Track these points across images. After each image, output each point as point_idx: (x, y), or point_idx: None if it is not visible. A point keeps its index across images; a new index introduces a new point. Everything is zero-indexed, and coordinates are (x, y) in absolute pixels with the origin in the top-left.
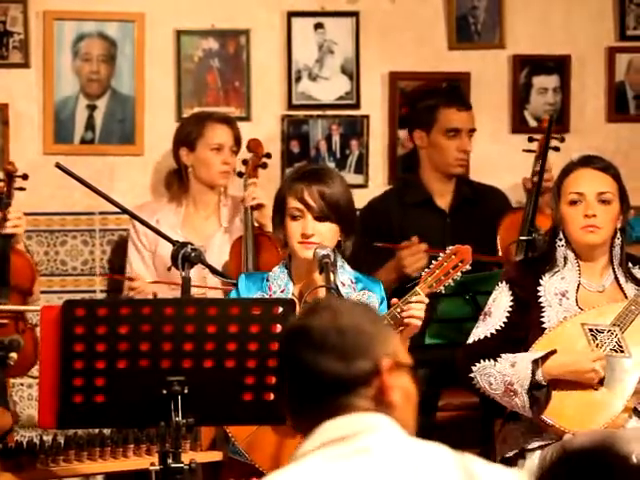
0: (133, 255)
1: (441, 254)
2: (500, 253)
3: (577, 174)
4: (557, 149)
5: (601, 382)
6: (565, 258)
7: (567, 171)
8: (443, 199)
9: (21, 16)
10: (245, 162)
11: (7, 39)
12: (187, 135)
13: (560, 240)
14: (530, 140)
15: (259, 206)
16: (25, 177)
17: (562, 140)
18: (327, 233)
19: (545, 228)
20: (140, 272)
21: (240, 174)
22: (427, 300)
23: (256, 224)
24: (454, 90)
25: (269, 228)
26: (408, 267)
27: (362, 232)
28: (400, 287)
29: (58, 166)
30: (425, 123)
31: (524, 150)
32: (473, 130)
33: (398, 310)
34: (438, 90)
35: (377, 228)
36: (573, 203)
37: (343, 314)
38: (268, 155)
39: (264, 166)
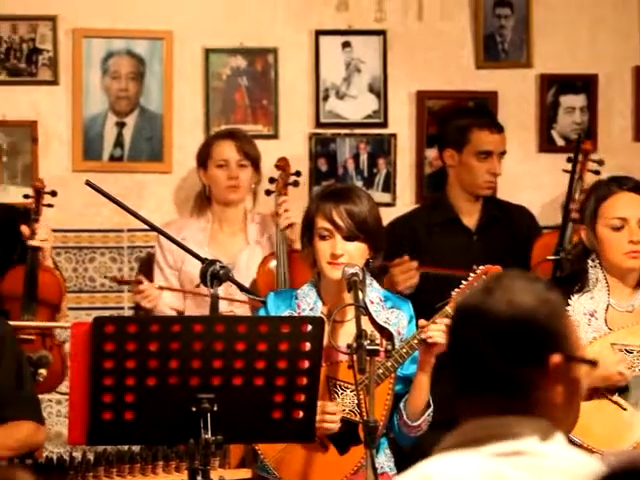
0: (156, 272)
1: (461, 276)
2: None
3: (617, 198)
4: (597, 172)
5: (625, 395)
6: (597, 279)
7: (604, 194)
8: (470, 218)
9: (50, 34)
10: (273, 180)
11: (36, 56)
12: (200, 156)
13: (593, 261)
14: (569, 160)
15: (291, 225)
16: (54, 194)
17: (601, 163)
18: (356, 252)
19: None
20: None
21: (268, 192)
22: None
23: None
24: (487, 112)
25: (299, 245)
26: (400, 284)
27: (387, 251)
28: (430, 307)
29: (88, 183)
30: (457, 143)
31: (564, 170)
32: (504, 153)
33: (423, 336)
34: (472, 110)
35: (402, 247)
36: (616, 229)
37: (519, 299)
38: (298, 173)
39: (295, 184)
